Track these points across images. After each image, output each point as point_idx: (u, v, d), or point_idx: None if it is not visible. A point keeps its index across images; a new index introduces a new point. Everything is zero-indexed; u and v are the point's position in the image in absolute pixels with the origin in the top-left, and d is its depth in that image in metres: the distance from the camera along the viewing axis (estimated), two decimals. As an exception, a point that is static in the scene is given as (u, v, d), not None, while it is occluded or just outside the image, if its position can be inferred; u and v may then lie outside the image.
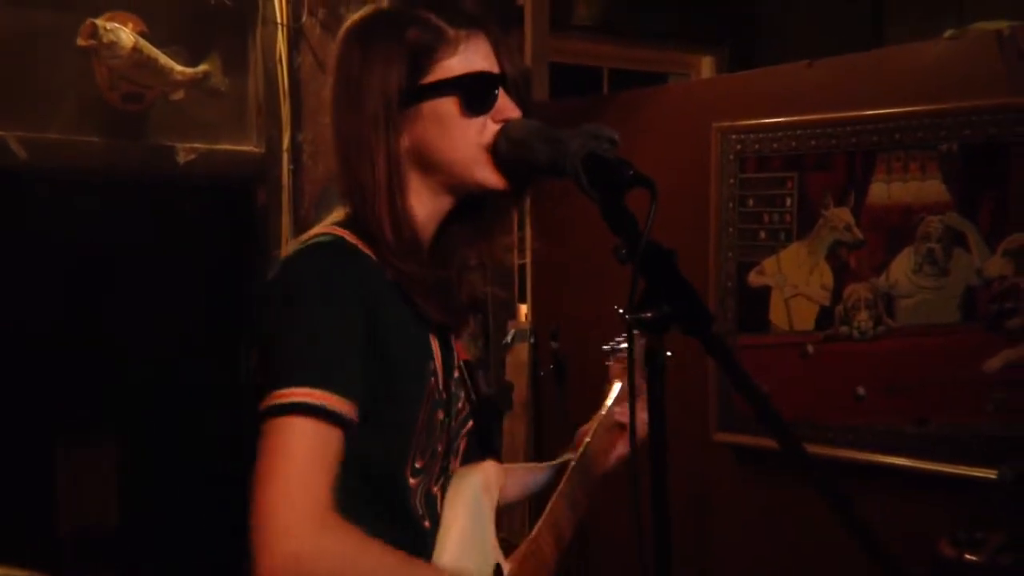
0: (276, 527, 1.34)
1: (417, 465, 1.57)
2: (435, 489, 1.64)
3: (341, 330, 1.45)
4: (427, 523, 1.61)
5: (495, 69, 1.58)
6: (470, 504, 1.67)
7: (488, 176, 1.57)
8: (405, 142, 1.56)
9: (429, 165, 1.58)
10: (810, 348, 3.34)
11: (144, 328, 4.15)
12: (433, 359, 1.61)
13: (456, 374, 1.69)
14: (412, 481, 1.57)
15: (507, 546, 1.77)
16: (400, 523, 1.56)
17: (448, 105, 1.55)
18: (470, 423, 1.74)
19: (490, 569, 1.68)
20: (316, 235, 1.56)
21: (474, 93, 1.55)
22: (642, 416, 1.38)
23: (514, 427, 3.96)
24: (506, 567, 1.72)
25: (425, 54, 1.54)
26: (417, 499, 1.59)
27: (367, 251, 1.55)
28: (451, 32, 1.55)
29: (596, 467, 2.01)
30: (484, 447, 1.77)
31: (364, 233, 1.57)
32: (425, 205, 1.60)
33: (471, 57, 1.56)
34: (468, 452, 1.74)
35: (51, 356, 4.15)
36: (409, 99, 1.55)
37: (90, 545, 4.20)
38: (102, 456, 4.37)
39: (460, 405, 1.70)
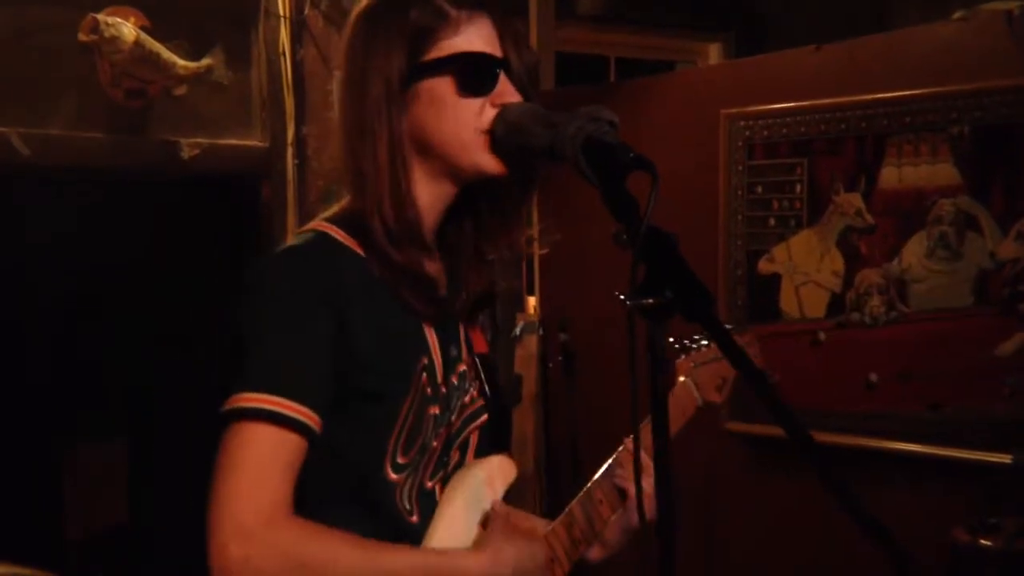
0: (228, 529, 1.38)
1: (400, 461, 1.55)
2: (430, 484, 1.61)
3: (304, 338, 1.47)
4: (415, 518, 1.58)
5: (497, 52, 1.55)
6: (468, 498, 1.64)
7: (485, 160, 1.54)
8: (405, 125, 1.54)
9: (426, 148, 1.55)
10: (821, 335, 3.31)
11: (150, 325, 4.14)
12: (427, 354, 1.59)
13: (461, 368, 1.66)
14: (395, 477, 1.55)
15: None
16: (382, 519, 1.55)
17: (444, 85, 1.53)
18: (483, 417, 1.71)
19: None
20: (302, 232, 1.57)
21: (470, 73, 1.53)
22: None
23: (523, 419, 3.94)
24: None
25: (426, 34, 1.52)
26: (404, 495, 1.57)
27: (353, 246, 1.55)
28: (453, 12, 1.53)
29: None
30: (495, 442, 1.73)
31: (356, 226, 1.55)
32: (425, 191, 1.57)
33: (472, 38, 1.53)
34: (480, 447, 1.71)
35: (56, 355, 4.15)
36: (409, 80, 1.52)
37: (99, 546, 4.20)
38: (110, 457, 4.36)
39: (467, 399, 1.67)
